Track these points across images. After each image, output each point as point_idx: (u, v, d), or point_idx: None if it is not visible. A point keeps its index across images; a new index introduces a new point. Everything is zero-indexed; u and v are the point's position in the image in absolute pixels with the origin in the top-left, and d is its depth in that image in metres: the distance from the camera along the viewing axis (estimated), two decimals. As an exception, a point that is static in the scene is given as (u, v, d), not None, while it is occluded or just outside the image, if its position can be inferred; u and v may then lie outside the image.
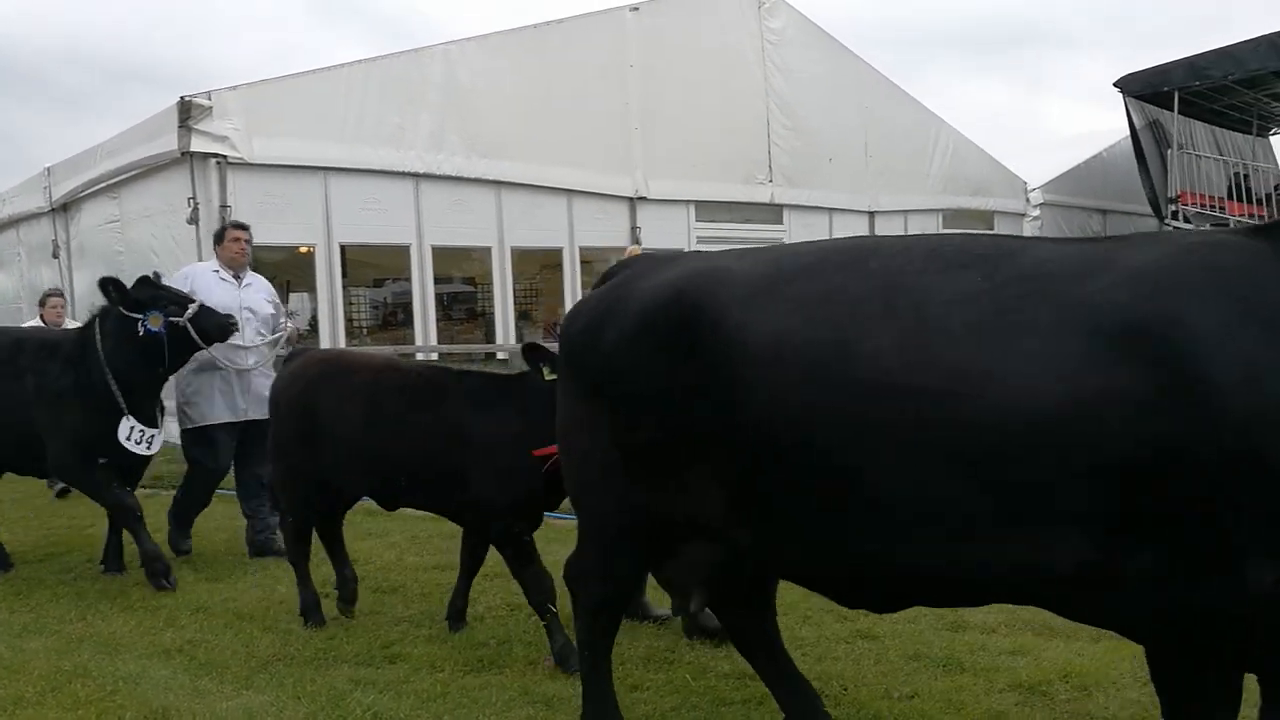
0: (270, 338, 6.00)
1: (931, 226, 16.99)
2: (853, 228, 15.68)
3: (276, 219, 9.74)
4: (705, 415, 2.51)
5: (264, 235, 9.71)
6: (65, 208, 12.19)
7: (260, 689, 3.71)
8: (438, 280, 11.48)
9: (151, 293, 5.25)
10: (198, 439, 5.93)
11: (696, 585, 3.02)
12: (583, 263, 12.76)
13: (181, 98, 9.08)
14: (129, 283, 5.28)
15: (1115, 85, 16.68)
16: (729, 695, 3.50)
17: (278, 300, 6.30)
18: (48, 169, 12.37)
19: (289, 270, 11.35)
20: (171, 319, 5.14)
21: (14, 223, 14.16)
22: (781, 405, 2.37)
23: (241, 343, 5.78)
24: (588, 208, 12.31)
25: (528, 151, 11.49)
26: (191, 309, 5.20)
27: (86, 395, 5.20)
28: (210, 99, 9.18)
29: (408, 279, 11.14)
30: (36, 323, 8.19)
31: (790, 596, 3.80)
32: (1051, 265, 2.24)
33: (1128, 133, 17.07)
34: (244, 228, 6.18)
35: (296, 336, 6.58)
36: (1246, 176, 17.85)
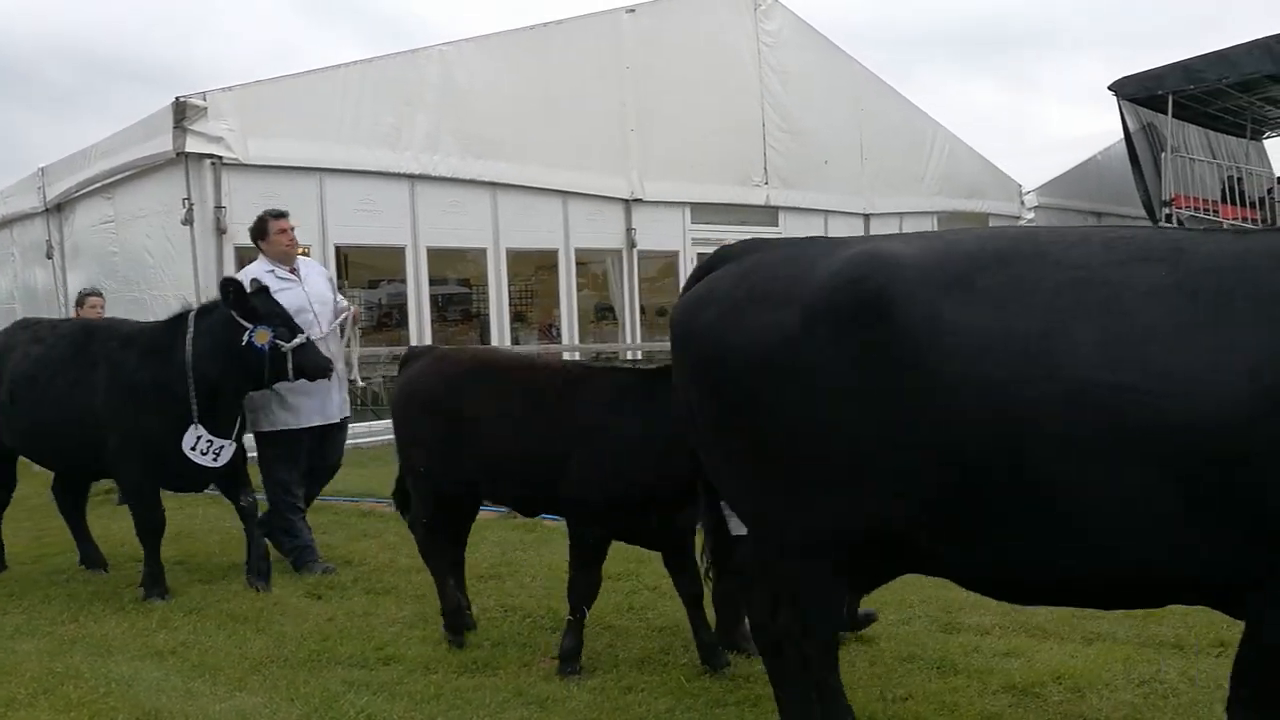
0: (335, 323, 5.59)
1: (927, 228, 17.01)
2: (847, 230, 15.69)
3: (271, 220, 9.74)
4: (890, 412, 2.31)
5: (259, 236, 9.78)
6: (59, 208, 12.15)
7: (253, 691, 3.70)
8: (433, 281, 11.49)
9: (269, 308, 5.02)
10: (274, 444, 5.52)
11: (858, 590, 2.79)
12: (578, 264, 12.77)
13: (177, 98, 9.06)
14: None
15: (1110, 88, 16.74)
16: (724, 697, 3.50)
17: (333, 279, 5.85)
18: (42, 169, 12.33)
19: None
20: (277, 340, 4.92)
21: (7, 223, 14.11)
22: (981, 402, 2.20)
23: (319, 337, 5.38)
24: (583, 209, 12.31)
25: (523, 153, 11.50)
26: (298, 340, 4.99)
27: (162, 393, 4.93)
28: (205, 99, 9.16)
29: (403, 280, 11.14)
30: None
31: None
32: (1239, 257, 2.17)
33: (1122, 136, 17.13)
34: (284, 215, 5.68)
35: (358, 318, 6.08)
36: (1240, 180, 17.91)
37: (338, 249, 10.37)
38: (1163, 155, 16.64)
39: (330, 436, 5.71)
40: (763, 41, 14.30)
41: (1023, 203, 18.61)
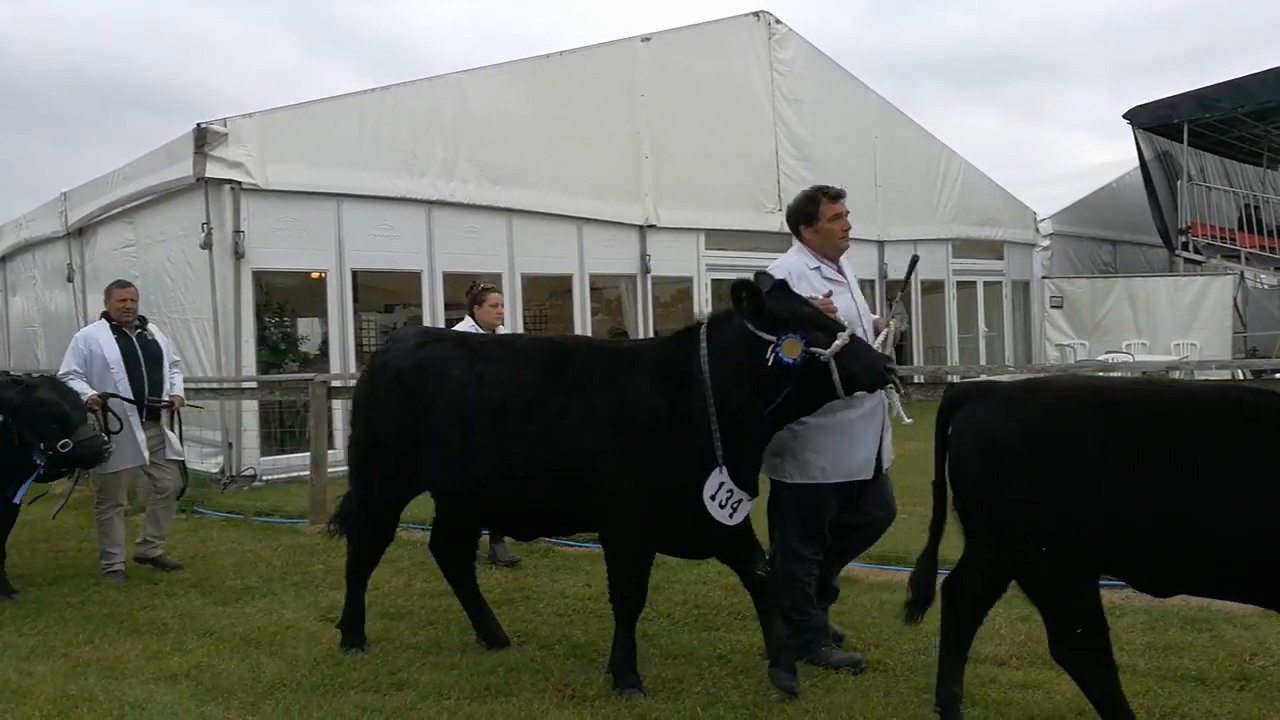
0: (877, 340, 4.12)
1: (941, 256, 17.02)
2: (862, 257, 15.72)
3: (289, 245, 9.85)
4: None
5: (276, 260, 9.86)
6: (81, 232, 12.33)
7: (266, 715, 3.69)
8: (448, 306, 11.55)
9: (795, 308, 3.74)
10: (797, 500, 4.12)
11: None
12: (592, 289, 12.84)
13: (198, 124, 9.21)
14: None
15: (1124, 117, 16.79)
16: (737, 726, 3.47)
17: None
18: (64, 194, 12.53)
19: (300, 295, 11.44)
20: (813, 350, 3.61)
21: (30, 247, 14.32)
22: None
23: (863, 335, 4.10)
24: (598, 235, 12.40)
25: (539, 179, 11.60)
26: (840, 341, 3.62)
27: (682, 427, 3.78)
28: (226, 125, 9.30)
29: (418, 304, 11.22)
30: (469, 323, 6.28)
31: (799, 627, 3.78)
32: None
33: (1137, 164, 17.14)
34: (842, 195, 4.29)
35: (898, 337, 4.36)
36: (1257, 208, 17.88)
37: (354, 273, 10.46)
38: (1179, 183, 16.64)
39: (869, 491, 4.19)
40: (776, 70, 14.41)
41: (1038, 230, 18.59)
